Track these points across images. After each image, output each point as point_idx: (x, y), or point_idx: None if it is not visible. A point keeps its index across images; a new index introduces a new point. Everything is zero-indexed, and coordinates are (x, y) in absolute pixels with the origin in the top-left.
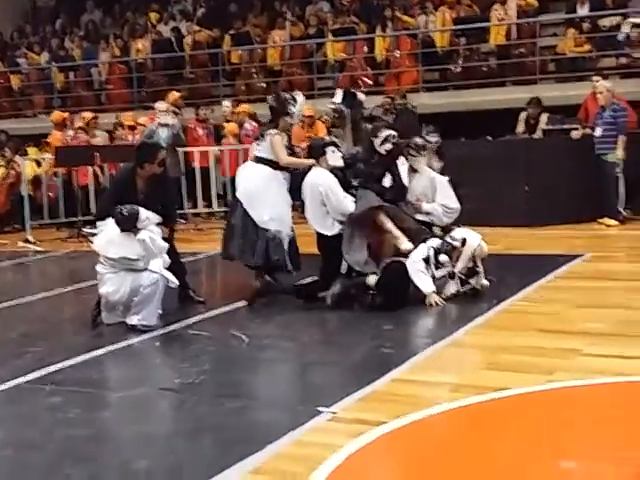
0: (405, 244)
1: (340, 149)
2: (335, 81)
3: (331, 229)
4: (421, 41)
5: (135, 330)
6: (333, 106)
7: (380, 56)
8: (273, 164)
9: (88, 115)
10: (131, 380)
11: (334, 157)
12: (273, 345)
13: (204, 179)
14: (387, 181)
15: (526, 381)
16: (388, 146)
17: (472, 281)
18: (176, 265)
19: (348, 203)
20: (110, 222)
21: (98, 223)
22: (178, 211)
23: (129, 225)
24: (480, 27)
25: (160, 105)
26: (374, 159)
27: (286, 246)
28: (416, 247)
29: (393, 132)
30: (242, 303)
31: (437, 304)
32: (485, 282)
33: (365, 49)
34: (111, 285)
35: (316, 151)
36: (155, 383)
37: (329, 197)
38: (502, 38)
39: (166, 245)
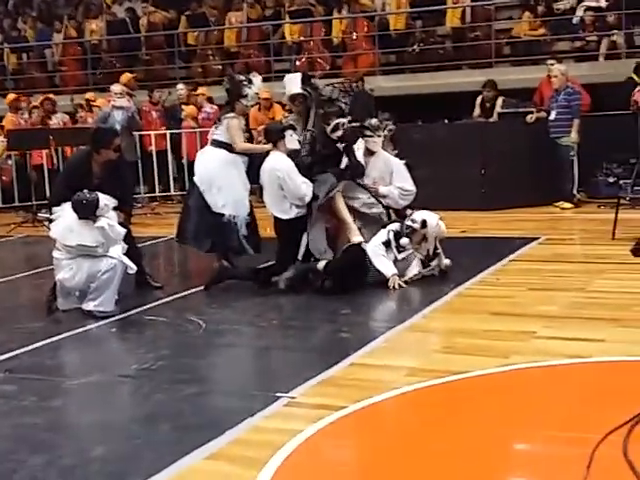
0: (356, 236)
1: (296, 133)
2: (292, 64)
3: (288, 213)
4: (377, 23)
5: (91, 316)
6: (298, 91)
7: (337, 39)
8: (231, 148)
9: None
10: (88, 367)
11: (292, 141)
12: (230, 330)
13: (160, 162)
14: (344, 163)
15: (482, 364)
16: (339, 133)
17: (433, 263)
18: (133, 250)
19: (305, 187)
20: (67, 208)
21: (54, 209)
22: (134, 195)
23: (88, 212)
24: (436, 10)
25: (115, 87)
26: (327, 144)
27: (243, 230)
28: (374, 234)
29: (343, 120)
30: (199, 288)
31: (399, 286)
32: (447, 261)
33: (322, 31)
34: (68, 271)
35: (274, 135)
36: (112, 370)
37: (286, 182)
38: (458, 21)
39: (124, 231)
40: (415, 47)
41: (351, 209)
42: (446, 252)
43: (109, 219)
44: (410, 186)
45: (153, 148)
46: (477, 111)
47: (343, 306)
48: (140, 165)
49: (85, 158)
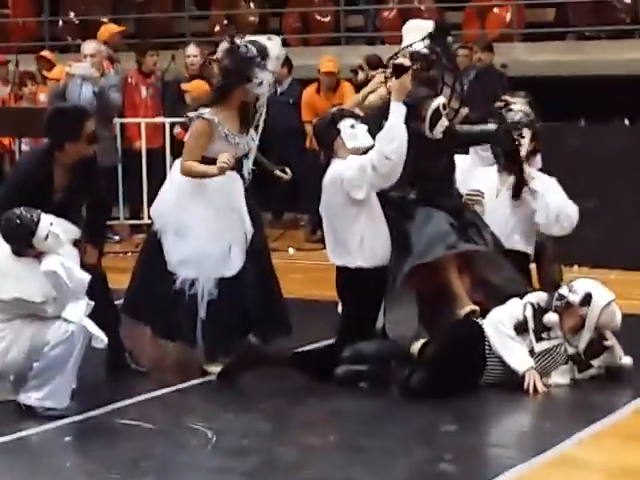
0: (467, 305)
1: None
2: (372, 18)
3: (353, 259)
4: None
5: (33, 415)
6: (419, 48)
7: None
8: (211, 162)
9: None
10: None
11: (353, 136)
12: (255, 449)
13: (153, 169)
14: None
15: None
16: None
17: (595, 363)
18: (105, 311)
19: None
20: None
21: None
22: (110, 222)
23: (21, 241)
24: None
25: (88, 46)
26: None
27: (202, 312)
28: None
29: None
30: (208, 377)
31: (539, 391)
32: (627, 360)
33: None
34: None
35: (324, 134)
36: None
37: (352, 180)
38: None
39: (87, 279)
40: None
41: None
42: (624, 342)
43: (63, 258)
44: (572, 209)
45: (142, 145)
46: None
47: (445, 418)
48: (120, 173)
49: (42, 160)
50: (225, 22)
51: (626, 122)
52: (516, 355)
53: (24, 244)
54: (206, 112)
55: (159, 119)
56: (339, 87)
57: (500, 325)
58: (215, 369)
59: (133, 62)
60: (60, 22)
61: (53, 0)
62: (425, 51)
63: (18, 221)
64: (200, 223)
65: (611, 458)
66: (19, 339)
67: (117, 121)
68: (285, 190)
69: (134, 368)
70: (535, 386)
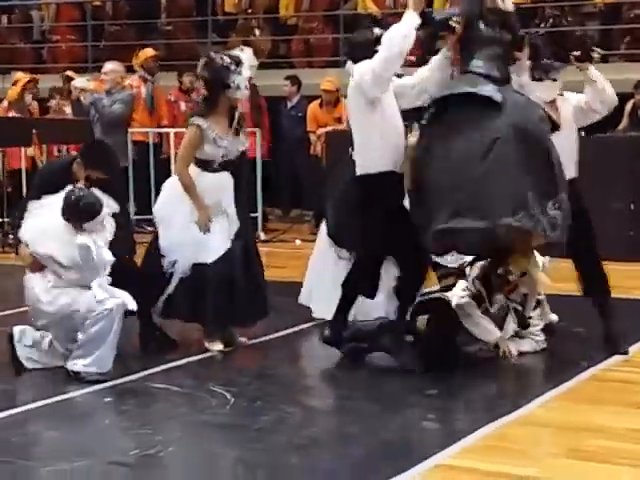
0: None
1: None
2: None
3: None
4: None
5: (79, 379)
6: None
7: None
8: (202, 163)
9: (22, 77)
10: (68, 449)
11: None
12: (266, 409)
13: None
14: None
15: (619, 476)
16: None
17: (535, 314)
18: (139, 291)
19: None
20: (49, 203)
21: (31, 203)
22: (143, 216)
23: (79, 218)
24: None
25: (105, 66)
26: None
27: (171, 288)
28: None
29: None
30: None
31: (511, 355)
32: (554, 316)
33: None
34: (46, 294)
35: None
36: (102, 454)
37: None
38: None
39: (111, 259)
40: (540, 28)
41: None
42: (580, 318)
43: (97, 237)
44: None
45: (171, 152)
46: (625, 122)
47: (428, 385)
48: (153, 177)
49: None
50: (241, 47)
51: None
52: (485, 327)
53: (80, 221)
54: (197, 119)
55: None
56: (339, 103)
57: (465, 302)
58: (216, 347)
59: (174, 80)
60: (100, 46)
61: (95, 29)
62: None
63: (85, 201)
64: (180, 215)
65: (570, 418)
66: (62, 297)
67: (149, 131)
68: (292, 190)
69: (163, 339)
70: (507, 350)
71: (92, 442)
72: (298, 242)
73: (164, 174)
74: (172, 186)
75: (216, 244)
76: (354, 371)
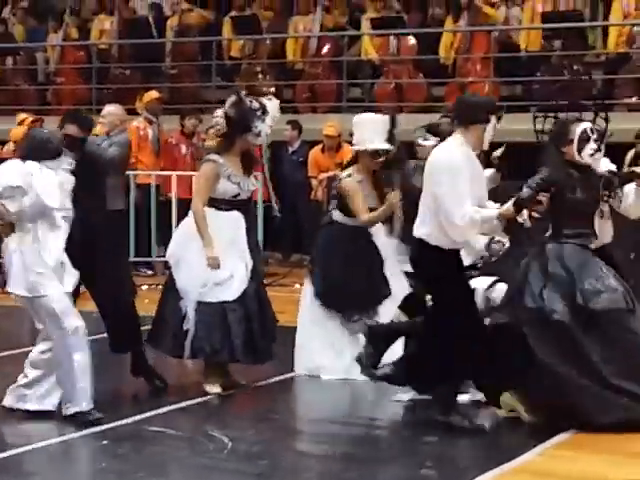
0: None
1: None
2: (368, 90)
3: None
4: (498, 41)
5: (75, 422)
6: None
7: (446, 58)
8: (216, 202)
9: (27, 117)
10: None
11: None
12: (265, 453)
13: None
14: None
15: None
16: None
17: None
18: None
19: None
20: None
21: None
22: (144, 258)
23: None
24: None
25: (104, 108)
26: None
27: (191, 324)
28: None
29: None
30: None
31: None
32: None
33: (412, 44)
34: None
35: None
36: None
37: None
38: (622, 43)
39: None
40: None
41: None
42: None
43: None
44: None
45: (173, 194)
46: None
47: (427, 432)
48: (154, 218)
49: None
50: (245, 92)
51: None
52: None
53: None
54: (212, 155)
55: (189, 172)
56: (341, 148)
57: None
58: (214, 390)
59: (176, 124)
60: (105, 88)
61: (101, 69)
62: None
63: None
64: (194, 254)
65: (574, 467)
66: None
67: (152, 173)
68: (293, 235)
69: (155, 382)
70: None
71: None
72: (297, 286)
73: (165, 217)
74: (186, 226)
75: (236, 283)
76: (352, 418)
